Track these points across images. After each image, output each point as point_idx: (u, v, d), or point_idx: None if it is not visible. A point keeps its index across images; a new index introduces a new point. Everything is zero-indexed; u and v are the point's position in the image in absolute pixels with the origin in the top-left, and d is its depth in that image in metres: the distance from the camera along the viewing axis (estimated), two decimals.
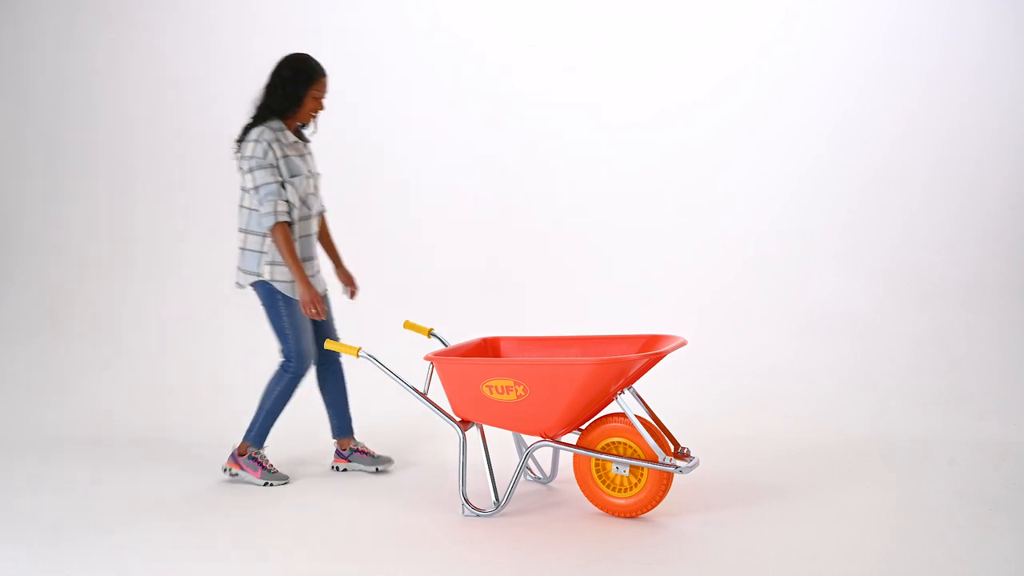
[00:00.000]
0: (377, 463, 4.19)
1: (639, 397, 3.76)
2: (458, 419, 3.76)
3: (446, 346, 4.07)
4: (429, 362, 3.76)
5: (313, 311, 3.89)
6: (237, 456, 4.07)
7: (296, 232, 3.93)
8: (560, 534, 3.54)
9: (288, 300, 3.94)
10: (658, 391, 4.36)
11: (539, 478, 4.07)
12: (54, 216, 6.23)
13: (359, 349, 3.78)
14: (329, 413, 4.23)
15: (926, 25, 5.70)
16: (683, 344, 3.65)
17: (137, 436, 4.62)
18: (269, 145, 3.84)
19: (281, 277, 3.92)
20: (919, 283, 5.59)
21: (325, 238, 4.27)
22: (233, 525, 3.65)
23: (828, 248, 5.74)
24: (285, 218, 3.83)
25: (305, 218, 3.97)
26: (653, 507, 3.60)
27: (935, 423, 4.69)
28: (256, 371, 5.37)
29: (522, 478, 3.95)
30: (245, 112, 4.04)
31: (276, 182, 3.83)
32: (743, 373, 5.27)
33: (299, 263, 3.86)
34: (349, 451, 4.20)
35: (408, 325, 4.21)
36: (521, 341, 4.03)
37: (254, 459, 4.05)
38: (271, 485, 4.02)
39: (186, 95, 6.17)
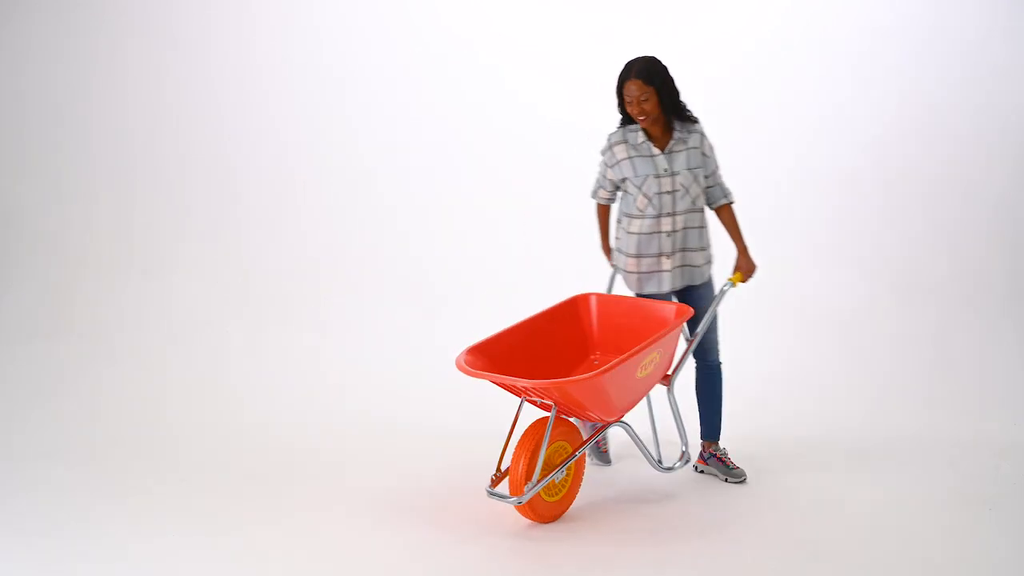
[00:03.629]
0: (729, 473, 4.11)
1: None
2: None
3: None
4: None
5: None
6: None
7: (638, 227, 4.03)
8: (564, 532, 3.54)
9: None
10: (657, 391, 4.35)
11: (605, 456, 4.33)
12: (54, 216, 6.23)
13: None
14: (699, 412, 4.25)
15: (926, 25, 5.69)
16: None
17: (137, 436, 4.62)
18: (611, 146, 4.05)
19: (622, 265, 4.10)
20: (919, 283, 5.58)
21: (728, 227, 4.27)
22: (236, 525, 3.65)
23: (826, 247, 5.73)
24: (599, 200, 4.25)
25: (653, 216, 4.01)
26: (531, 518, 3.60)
27: (935, 423, 4.68)
28: (257, 371, 5.39)
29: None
30: (244, 110, 4.04)
31: (603, 174, 4.15)
32: (742, 373, 5.26)
33: (604, 233, 4.34)
34: (708, 455, 4.18)
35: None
36: (609, 301, 4.19)
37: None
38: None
39: (186, 95, 6.17)
